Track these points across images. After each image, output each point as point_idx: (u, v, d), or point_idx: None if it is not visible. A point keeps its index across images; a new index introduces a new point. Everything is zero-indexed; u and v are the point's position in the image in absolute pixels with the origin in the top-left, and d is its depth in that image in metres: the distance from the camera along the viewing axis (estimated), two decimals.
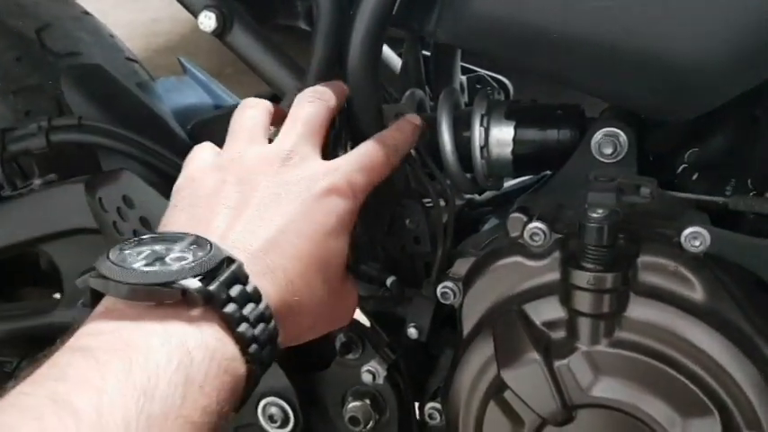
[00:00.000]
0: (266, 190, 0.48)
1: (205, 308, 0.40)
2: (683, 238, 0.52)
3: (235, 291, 0.41)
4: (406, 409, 0.67)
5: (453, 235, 0.63)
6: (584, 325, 0.53)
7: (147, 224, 0.68)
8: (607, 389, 0.53)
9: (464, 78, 0.79)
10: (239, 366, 0.40)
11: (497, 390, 0.56)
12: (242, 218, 0.46)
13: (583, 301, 0.53)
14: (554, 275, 0.55)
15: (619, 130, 0.57)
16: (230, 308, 0.40)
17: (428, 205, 0.65)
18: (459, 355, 0.60)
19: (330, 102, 0.55)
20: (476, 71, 0.80)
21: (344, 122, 0.59)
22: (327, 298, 0.49)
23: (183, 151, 0.55)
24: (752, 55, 0.49)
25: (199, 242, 0.42)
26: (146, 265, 0.40)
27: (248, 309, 0.41)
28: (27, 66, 0.82)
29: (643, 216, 0.55)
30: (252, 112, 0.54)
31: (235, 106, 0.57)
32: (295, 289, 0.46)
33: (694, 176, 0.59)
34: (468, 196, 0.72)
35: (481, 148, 0.62)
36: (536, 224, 0.56)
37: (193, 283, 0.39)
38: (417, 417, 0.68)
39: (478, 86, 0.79)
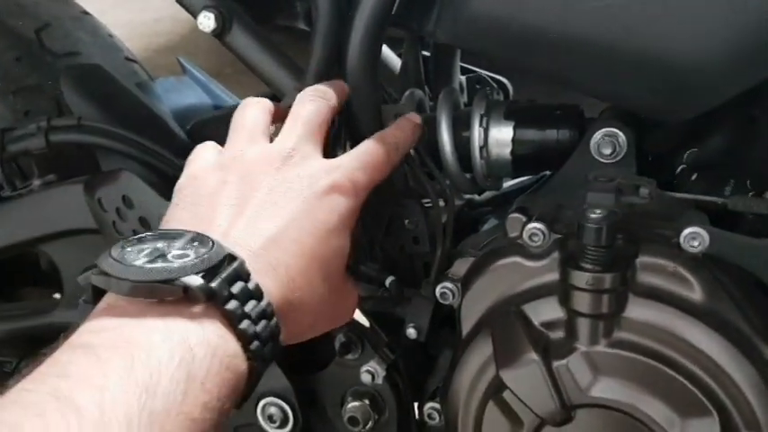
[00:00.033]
0: (268, 188, 0.48)
1: (207, 305, 0.40)
2: (681, 239, 0.52)
3: (236, 288, 0.41)
4: (405, 410, 0.67)
5: (452, 235, 0.63)
6: (582, 325, 0.53)
7: (147, 224, 0.68)
8: (606, 389, 0.53)
9: (463, 78, 0.79)
10: (241, 363, 0.40)
11: (496, 390, 0.56)
12: (244, 216, 0.47)
13: (582, 302, 0.53)
14: (553, 276, 0.55)
15: (618, 131, 0.57)
16: (232, 305, 0.40)
17: (427, 205, 0.65)
18: (458, 355, 0.60)
19: (331, 101, 0.55)
20: (475, 71, 0.80)
21: (344, 122, 0.59)
22: (328, 296, 0.49)
23: (183, 151, 0.55)
24: (751, 54, 0.49)
25: (200, 239, 0.42)
26: (147, 262, 0.40)
27: (250, 306, 0.41)
28: (26, 66, 0.82)
29: (642, 216, 0.55)
30: (253, 112, 0.54)
31: (234, 106, 0.57)
32: (297, 286, 0.46)
33: (693, 177, 0.59)
34: (468, 196, 0.72)
35: (480, 148, 0.62)
36: (535, 224, 0.56)
37: (195, 280, 0.39)
38: (416, 417, 0.68)
39: (478, 86, 0.79)
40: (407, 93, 0.70)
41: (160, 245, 0.41)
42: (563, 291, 0.54)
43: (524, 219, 0.57)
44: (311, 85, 0.57)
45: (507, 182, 0.71)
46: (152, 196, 0.67)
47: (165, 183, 0.69)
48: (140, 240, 0.42)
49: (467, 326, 0.60)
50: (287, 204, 0.48)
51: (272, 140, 0.53)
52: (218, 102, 0.88)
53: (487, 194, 0.73)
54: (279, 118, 0.55)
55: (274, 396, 0.68)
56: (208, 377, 0.38)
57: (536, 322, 0.55)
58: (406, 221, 0.65)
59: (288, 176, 0.49)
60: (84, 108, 0.75)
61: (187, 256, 0.40)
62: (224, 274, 0.40)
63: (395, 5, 0.58)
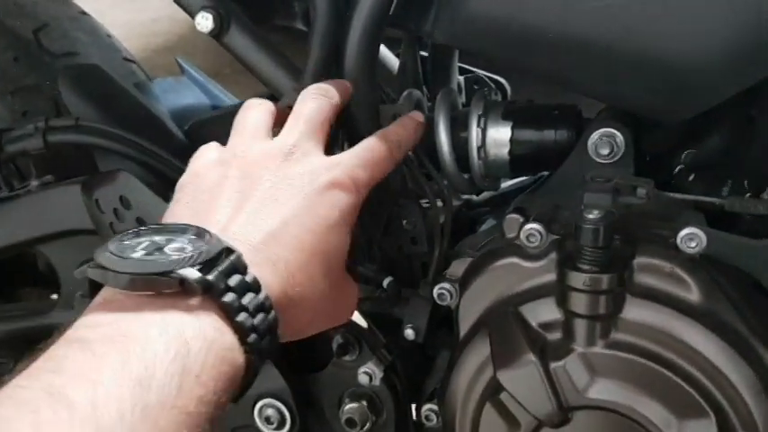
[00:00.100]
0: (268, 184, 0.48)
1: (203, 297, 0.39)
2: (679, 240, 0.52)
3: (234, 280, 0.41)
4: (402, 411, 0.67)
5: (450, 235, 0.63)
6: (580, 326, 0.53)
7: (144, 225, 0.68)
8: (603, 390, 0.53)
9: (462, 79, 0.79)
10: (238, 356, 0.40)
11: (494, 391, 0.56)
12: (243, 211, 0.47)
13: (579, 303, 0.53)
14: (550, 277, 0.55)
15: (615, 131, 0.57)
16: (229, 297, 0.40)
17: (425, 206, 0.65)
18: (455, 356, 0.60)
19: (333, 99, 0.55)
20: (473, 71, 0.80)
21: (342, 122, 0.59)
22: (328, 292, 0.49)
23: (181, 152, 0.55)
24: (749, 54, 0.49)
25: (198, 233, 0.42)
26: (144, 255, 0.40)
27: (247, 298, 0.41)
28: (24, 66, 0.82)
29: (639, 217, 0.55)
30: (255, 113, 0.54)
31: (232, 107, 0.57)
32: (296, 281, 0.46)
33: (691, 177, 0.59)
34: (466, 197, 0.72)
35: (478, 148, 0.62)
36: (532, 225, 0.55)
37: (192, 273, 0.39)
38: (414, 418, 0.68)
39: (476, 87, 0.79)
40: (405, 93, 0.69)
41: (157, 238, 0.41)
42: (560, 292, 0.54)
43: (522, 219, 0.57)
44: (309, 85, 0.57)
45: (505, 182, 0.71)
46: (150, 197, 0.67)
47: (162, 183, 0.69)
48: (138, 234, 0.42)
49: (464, 327, 0.60)
50: (287, 200, 0.48)
51: None
52: (216, 102, 0.88)
53: (485, 195, 0.73)
54: (280, 121, 0.55)
55: (272, 397, 0.68)
56: (204, 370, 0.38)
57: (533, 323, 0.55)
58: (405, 222, 0.65)
59: (289, 173, 0.49)
60: (82, 108, 0.75)
61: (184, 249, 0.40)
62: (221, 267, 0.40)
63: (392, 6, 0.58)
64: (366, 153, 0.53)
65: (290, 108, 0.55)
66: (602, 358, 0.53)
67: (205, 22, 0.61)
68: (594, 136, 0.58)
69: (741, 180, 0.57)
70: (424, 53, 0.77)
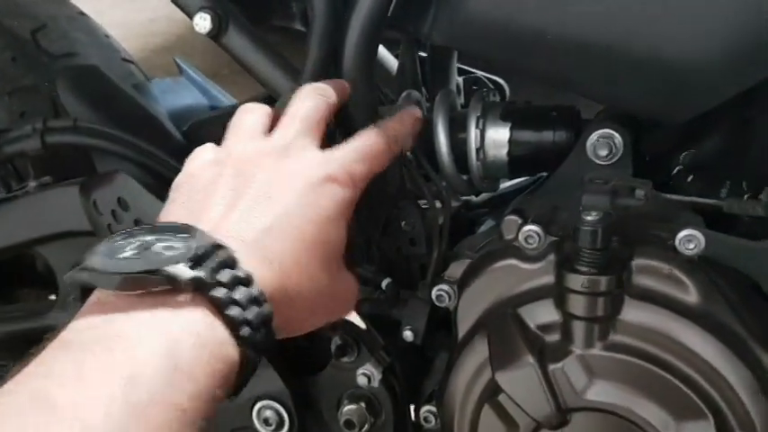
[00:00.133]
0: (262, 181, 0.48)
1: (194, 293, 0.39)
2: (677, 241, 0.52)
3: (224, 276, 0.40)
4: (401, 413, 0.67)
5: (449, 236, 0.63)
6: (578, 328, 0.53)
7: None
8: (601, 392, 0.53)
9: (460, 80, 0.79)
10: (231, 350, 0.40)
11: (492, 393, 0.56)
12: (237, 209, 0.47)
13: (577, 305, 0.53)
14: (549, 278, 0.55)
15: (614, 132, 0.57)
16: (219, 292, 0.40)
17: (424, 207, 0.65)
18: (454, 358, 0.60)
19: (330, 98, 0.55)
20: (472, 72, 0.80)
21: (340, 123, 0.59)
22: (326, 285, 0.49)
23: (179, 153, 0.55)
24: (749, 54, 0.49)
25: (188, 231, 0.42)
26: (133, 255, 0.40)
27: (239, 293, 0.41)
28: (22, 66, 0.82)
29: (637, 218, 0.55)
30: (251, 116, 0.54)
31: (231, 107, 0.57)
32: (291, 276, 0.46)
33: (689, 178, 0.59)
34: (465, 198, 0.72)
35: (477, 149, 0.62)
36: (531, 227, 0.55)
37: (180, 269, 0.39)
38: (413, 420, 0.68)
39: (475, 88, 0.79)
40: (404, 94, 0.69)
41: (147, 238, 0.41)
42: (558, 293, 0.54)
43: (520, 221, 0.57)
44: None
45: (504, 183, 0.71)
46: (147, 198, 0.67)
47: (160, 184, 0.69)
48: (128, 235, 0.42)
49: (463, 328, 0.60)
50: (282, 197, 0.48)
51: None
52: (214, 102, 0.88)
53: (484, 196, 0.73)
54: (277, 122, 0.55)
55: (270, 399, 0.68)
56: (195, 366, 0.37)
57: (532, 325, 0.55)
58: (403, 223, 0.65)
59: (283, 170, 0.49)
60: (79, 109, 0.75)
61: (174, 247, 0.40)
62: (211, 263, 0.40)
63: (391, 7, 0.58)
64: (362, 147, 0.53)
65: None
66: (601, 360, 0.53)
67: (203, 22, 0.61)
68: (593, 137, 0.58)
69: (740, 181, 0.57)
70: (422, 54, 0.77)
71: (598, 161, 0.58)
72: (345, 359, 0.66)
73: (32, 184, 0.74)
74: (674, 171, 0.60)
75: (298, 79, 0.60)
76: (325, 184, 0.49)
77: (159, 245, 0.40)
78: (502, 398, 0.56)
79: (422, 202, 0.65)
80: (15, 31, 0.83)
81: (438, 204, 0.63)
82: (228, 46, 0.62)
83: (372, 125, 0.56)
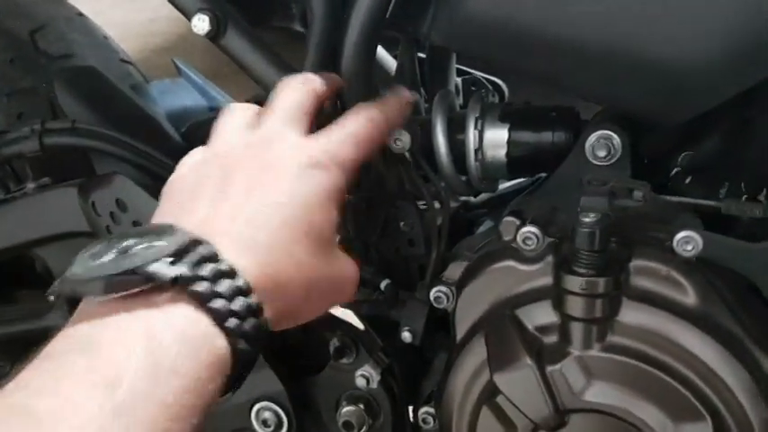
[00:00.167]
0: (247, 175, 0.48)
1: (175, 290, 0.39)
2: (675, 243, 0.52)
3: (206, 270, 0.40)
4: (399, 414, 0.67)
5: (448, 237, 0.63)
6: (576, 330, 0.53)
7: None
8: (599, 393, 0.53)
9: (459, 80, 0.79)
10: (219, 342, 0.40)
11: (490, 394, 0.56)
12: (223, 205, 0.46)
13: (575, 306, 0.53)
14: (547, 280, 0.55)
15: (613, 133, 0.57)
16: (200, 286, 0.39)
17: (422, 207, 0.65)
18: (452, 359, 0.60)
19: (315, 88, 0.54)
20: (471, 73, 0.80)
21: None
22: (319, 271, 0.48)
23: (178, 154, 0.54)
24: (750, 54, 0.49)
25: (168, 230, 0.42)
26: (111, 259, 0.40)
27: (223, 285, 0.40)
28: (20, 68, 0.82)
29: (636, 220, 0.55)
30: (236, 115, 0.54)
31: None
32: (279, 264, 0.45)
33: (688, 179, 0.59)
34: (464, 198, 0.72)
35: (475, 150, 0.62)
36: (529, 228, 0.55)
37: (158, 267, 0.39)
38: (411, 421, 0.68)
39: (474, 89, 0.79)
40: None
41: (128, 242, 0.41)
42: (557, 295, 0.54)
43: (518, 222, 0.57)
44: None
45: (503, 183, 0.71)
46: (146, 199, 0.67)
47: (159, 186, 0.68)
48: (109, 241, 0.42)
49: (461, 330, 0.60)
50: (266, 187, 0.47)
51: None
52: (213, 103, 0.88)
53: (483, 196, 0.73)
54: None
55: (269, 400, 0.68)
56: (179, 361, 0.37)
57: (530, 326, 0.55)
58: (402, 224, 0.65)
59: (266, 160, 0.49)
60: (78, 110, 0.75)
61: (153, 246, 0.40)
62: (191, 258, 0.40)
63: (390, 7, 0.58)
64: (347, 130, 0.52)
65: None
66: (599, 361, 0.53)
67: (201, 24, 0.61)
68: (592, 138, 0.57)
69: (738, 182, 0.57)
70: (421, 55, 0.77)
71: (597, 162, 0.58)
72: (344, 360, 0.66)
73: (31, 185, 0.74)
74: (673, 172, 0.60)
75: None
76: (310, 170, 0.48)
77: (139, 247, 0.40)
78: (500, 399, 0.56)
79: (420, 202, 0.65)
80: (14, 32, 0.83)
81: (437, 205, 0.63)
82: (227, 47, 0.62)
83: (357, 108, 0.55)
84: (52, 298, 0.41)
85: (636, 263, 0.53)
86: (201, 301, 0.39)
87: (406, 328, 0.64)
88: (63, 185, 0.72)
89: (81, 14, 0.90)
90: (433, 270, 0.63)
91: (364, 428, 0.66)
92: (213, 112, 0.85)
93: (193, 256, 0.40)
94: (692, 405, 0.51)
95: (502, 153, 0.62)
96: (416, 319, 0.63)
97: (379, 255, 0.66)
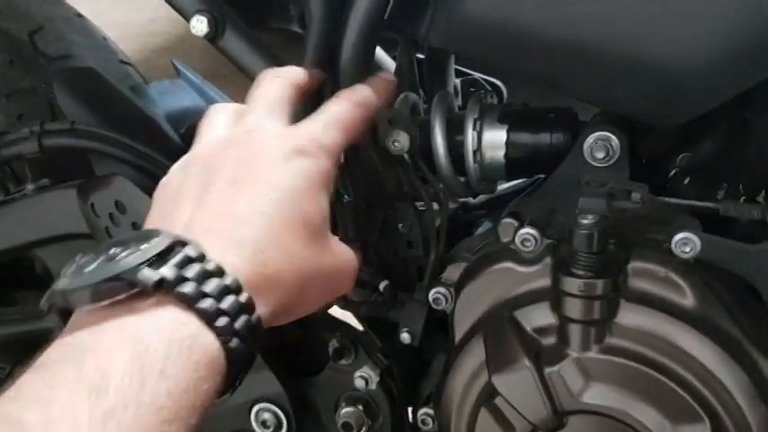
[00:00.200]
0: (228, 170, 0.47)
1: (161, 294, 0.39)
2: (673, 244, 0.52)
3: (191, 271, 0.40)
4: (398, 415, 0.67)
5: (447, 238, 0.63)
6: (574, 331, 0.53)
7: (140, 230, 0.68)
8: (597, 395, 0.53)
9: (458, 81, 0.79)
10: (209, 342, 0.39)
11: (489, 396, 0.56)
12: (206, 203, 0.46)
13: (573, 308, 0.53)
14: (545, 281, 0.55)
15: (611, 135, 0.57)
16: (187, 287, 0.39)
17: (421, 209, 0.65)
18: (451, 360, 0.60)
19: (293, 79, 0.54)
20: (470, 74, 0.80)
21: None
22: (315, 261, 0.47)
23: (177, 155, 0.54)
24: (749, 55, 0.49)
25: (151, 234, 0.42)
26: (95, 269, 0.39)
27: (210, 285, 0.40)
28: (19, 69, 0.82)
29: (634, 221, 0.55)
30: (218, 115, 0.54)
31: None
32: (268, 258, 0.44)
33: (686, 181, 0.59)
34: (462, 199, 0.72)
35: (474, 151, 0.62)
36: (527, 230, 0.55)
37: (142, 272, 0.39)
38: (410, 422, 0.68)
39: (472, 90, 0.79)
40: (401, 96, 0.69)
41: (113, 251, 0.41)
42: (555, 297, 0.54)
43: (516, 224, 0.57)
44: None
45: (503, 184, 0.71)
46: (145, 201, 0.67)
47: None
48: (95, 252, 0.41)
49: (460, 331, 0.60)
50: (248, 180, 0.47)
51: None
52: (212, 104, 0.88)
53: (482, 197, 0.73)
54: None
55: (268, 401, 0.68)
56: (168, 363, 0.37)
57: (528, 328, 0.55)
58: (400, 225, 0.65)
59: (247, 153, 0.48)
60: (77, 112, 0.75)
61: (135, 253, 0.40)
62: (174, 261, 0.40)
63: (388, 9, 0.58)
64: (329, 114, 0.52)
65: None
66: (597, 363, 0.53)
67: (200, 25, 0.61)
68: (590, 139, 0.57)
69: (736, 184, 0.57)
70: (420, 56, 0.77)
71: (595, 163, 0.58)
72: (343, 362, 0.66)
73: (30, 186, 0.74)
74: (671, 173, 0.60)
75: None
76: (293, 158, 0.48)
77: (123, 253, 0.40)
78: (498, 401, 0.56)
79: (419, 204, 0.65)
80: (13, 33, 0.83)
81: (435, 206, 0.63)
82: (225, 49, 0.62)
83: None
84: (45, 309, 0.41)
85: (634, 264, 0.53)
86: (188, 302, 0.39)
87: (405, 329, 0.64)
88: (62, 187, 0.72)
89: (80, 15, 0.90)
90: (431, 271, 0.63)
91: (363, 429, 0.66)
92: None
93: (178, 258, 0.40)
94: (691, 406, 0.51)
95: (500, 154, 0.62)
96: (415, 320, 0.64)
97: (378, 256, 0.66)
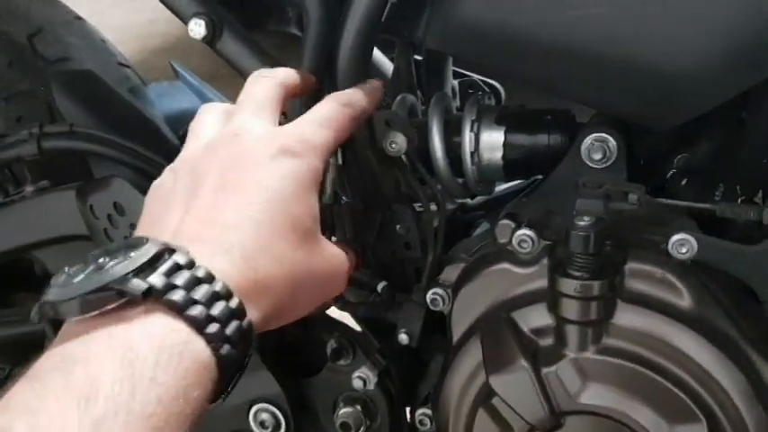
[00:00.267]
0: (215, 173, 0.47)
1: (149, 301, 0.39)
2: (670, 245, 0.52)
3: (181, 278, 0.40)
4: (396, 415, 0.67)
5: (445, 239, 0.63)
6: (571, 332, 0.53)
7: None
8: (595, 395, 0.53)
9: (456, 83, 0.79)
10: (200, 349, 0.39)
11: (486, 396, 0.56)
12: (194, 209, 0.46)
13: (570, 309, 0.53)
14: (542, 282, 0.55)
15: (608, 136, 0.57)
16: (176, 295, 0.39)
17: (419, 210, 0.65)
18: (448, 361, 0.60)
19: (282, 79, 0.54)
20: (468, 76, 0.80)
21: None
22: (304, 264, 0.47)
23: (175, 157, 0.54)
24: (749, 55, 0.49)
25: (140, 242, 0.41)
26: (83, 278, 0.39)
27: (200, 291, 0.40)
28: (18, 71, 0.82)
29: (631, 223, 0.55)
30: (206, 117, 0.53)
31: None
32: (258, 262, 0.44)
33: (683, 182, 0.59)
34: (460, 201, 0.72)
35: (472, 153, 0.62)
36: (524, 231, 0.56)
37: (130, 281, 0.38)
38: (408, 422, 0.68)
39: (470, 91, 0.79)
40: (399, 98, 0.69)
41: (102, 260, 0.40)
42: (552, 298, 0.54)
43: (514, 225, 0.57)
44: None
45: (501, 185, 0.71)
46: (143, 203, 0.67)
47: None
48: (84, 262, 0.41)
49: (457, 332, 0.60)
50: (236, 184, 0.46)
51: None
52: None
53: (480, 198, 0.73)
54: None
55: (266, 402, 0.68)
56: (158, 370, 0.37)
57: (525, 329, 0.56)
58: (398, 226, 0.65)
59: (234, 155, 0.48)
60: (76, 114, 0.75)
61: (123, 261, 0.40)
62: (162, 268, 0.40)
63: (385, 11, 0.58)
64: (317, 114, 0.51)
65: None
66: (594, 364, 0.53)
67: (198, 28, 0.61)
68: (587, 141, 0.58)
69: (733, 185, 0.57)
70: (418, 57, 0.77)
71: (592, 165, 0.58)
72: (341, 362, 0.67)
73: (29, 188, 0.74)
74: (669, 175, 0.60)
75: None
76: (280, 159, 0.47)
77: (112, 263, 0.40)
78: (496, 401, 0.56)
79: (417, 205, 0.65)
80: (12, 35, 0.83)
81: (433, 208, 0.63)
82: (223, 51, 0.63)
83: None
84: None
85: (631, 266, 0.53)
86: (178, 309, 0.39)
87: (403, 330, 0.64)
88: (61, 189, 0.72)
89: (79, 18, 0.90)
90: (429, 272, 0.63)
91: (361, 430, 0.66)
92: None
93: (167, 266, 0.40)
94: (688, 407, 0.51)
95: (498, 156, 0.62)
96: (413, 321, 0.64)
97: (376, 257, 0.66)
